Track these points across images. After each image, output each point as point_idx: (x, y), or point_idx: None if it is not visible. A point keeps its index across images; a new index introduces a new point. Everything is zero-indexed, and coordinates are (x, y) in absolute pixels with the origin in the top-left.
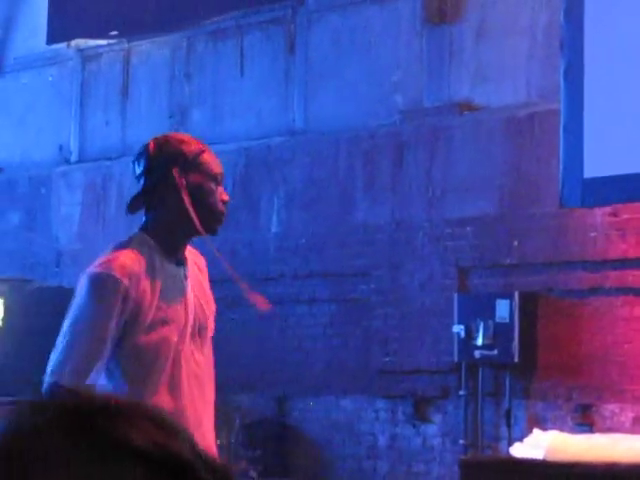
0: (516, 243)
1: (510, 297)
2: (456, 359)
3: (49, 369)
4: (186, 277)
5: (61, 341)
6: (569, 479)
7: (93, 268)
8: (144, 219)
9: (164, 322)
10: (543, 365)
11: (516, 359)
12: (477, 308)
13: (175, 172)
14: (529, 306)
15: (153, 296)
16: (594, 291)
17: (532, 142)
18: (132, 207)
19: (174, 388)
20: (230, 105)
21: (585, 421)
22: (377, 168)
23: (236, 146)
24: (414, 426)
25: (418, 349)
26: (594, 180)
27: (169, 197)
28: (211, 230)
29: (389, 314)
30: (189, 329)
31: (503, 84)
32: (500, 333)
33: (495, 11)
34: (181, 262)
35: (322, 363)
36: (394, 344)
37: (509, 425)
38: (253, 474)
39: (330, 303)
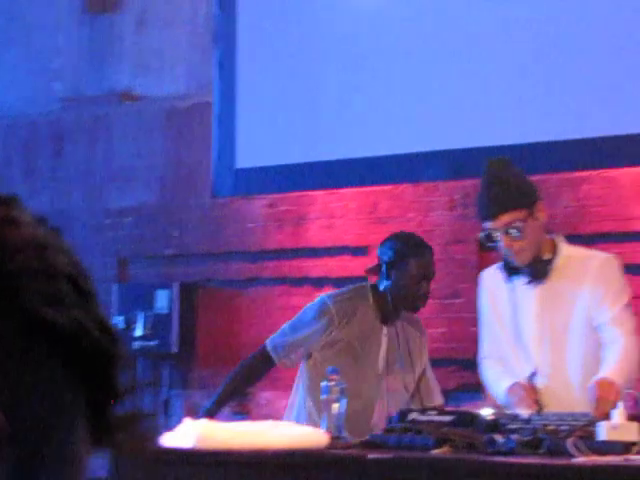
0: (176, 233)
1: (170, 288)
2: None
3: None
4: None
5: None
6: (215, 466)
7: None
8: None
9: None
10: (202, 355)
11: (175, 349)
12: (136, 299)
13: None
14: (188, 297)
15: None
16: (252, 281)
17: (191, 133)
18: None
19: None
20: None
21: (242, 409)
22: (36, 157)
23: None
24: None
25: None
26: (246, 170)
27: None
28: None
29: None
30: None
31: (163, 75)
32: (159, 324)
33: (157, 1)
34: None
35: None
36: None
37: (167, 415)
38: None
39: None
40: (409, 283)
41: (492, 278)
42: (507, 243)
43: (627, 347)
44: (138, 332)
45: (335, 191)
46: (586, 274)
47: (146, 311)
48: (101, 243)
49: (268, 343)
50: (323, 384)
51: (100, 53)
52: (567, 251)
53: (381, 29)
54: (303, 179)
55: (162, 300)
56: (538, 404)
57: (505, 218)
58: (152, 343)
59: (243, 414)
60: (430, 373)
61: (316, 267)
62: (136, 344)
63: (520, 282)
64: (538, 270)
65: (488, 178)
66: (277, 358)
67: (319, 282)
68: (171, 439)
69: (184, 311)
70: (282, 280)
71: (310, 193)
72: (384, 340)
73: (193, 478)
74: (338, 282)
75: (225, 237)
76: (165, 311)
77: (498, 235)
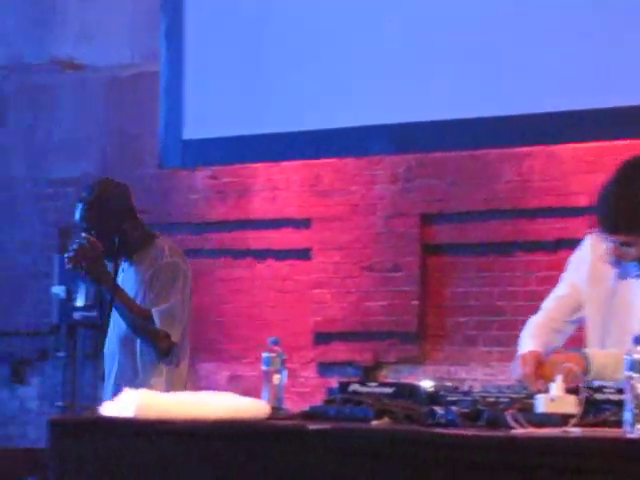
0: None
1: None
2: (56, 321)
3: None
4: None
5: None
6: (156, 435)
7: None
8: None
9: None
10: None
11: None
12: None
13: None
14: None
15: None
16: (194, 253)
17: (135, 103)
18: None
19: None
20: None
21: None
22: None
23: None
24: (11, 389)
25: (17, 310)
26: (193, 142)
27: None
28: None
29: None
30: None
31: (107, 44)
32: (101, 294)
33: None
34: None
35: None
36: None
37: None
38: None
39: None
40: None
41: (599, 247)
42: (617, 253)
43: None
44: (79, 302)
45: (278, 163)
46: None
47: (87, 282)
48: (43, 213)
49: None
50: (264, 355)
51: (43, 21)
52: None
53: (327, 1)
54: (247, 151)
55: None
56: (537, 382)
57: (622, 237)
58: (93, 314)
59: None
60: None
61: (258, 239)
62: (77, 315)
63: (628, 270)
64: None
65: (620, 184)
66: None
67: (261, 254)
68: (111, 409)
69: None
70: (224, 252)
71: (253, 165)
72: None
73: (133, 448)
74: (280, 254)
75: (168, 208)
76: None
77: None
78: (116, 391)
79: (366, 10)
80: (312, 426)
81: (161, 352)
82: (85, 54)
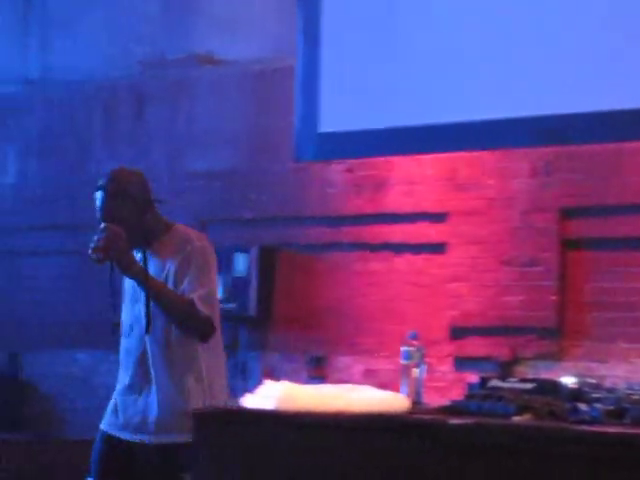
0: (256, 197)
1: (248, 251)
2: None
3: None
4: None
5: None
6: (297, 427)
7: None
8: None
9: None
10: (279, 318)
11: (252, 312)
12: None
13: None
14: (267, 260)
15: None
16: (331, 246)
17: (271, 97)
18: None
19: None
20: None
21: (318, 373)
22: (117, 119)
23: None
24: None
25: None
26: (328, 135)
27: None
28: None
29: None
30: None
31: (244, 38)
32: (238, 287)
33: None
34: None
35: (59, 317)
36: None
37: (245, 377)
38: None
39: (67, 255)
40: None
41: None
42: None
43: None
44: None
45: (414, 157)
46: None
47: (225, 274)
48: (181, 206)
49: None
50: (404, 348)
51: (181, 16)
52: None
53: None
54: (384, 144)
55: (241, 263)
56: None
57: None
58: (230, 306)
59: (319, 378)
60: None
61: (394, 233)
62: None
63: None
64: None
65: None
66: None
67: (397, 248)
68: (251, 400)
69: (262, 274)
70: (360, 245)
71: (390, 158)
72: None
73: (274, 439)
74: (416, 248)
75: (304, 201)
76: (244, 274)
77: None
78: (158, 384)
79: (502, 2)
80: (453, 421)
81: (204, 337)
82: (223, 49)
